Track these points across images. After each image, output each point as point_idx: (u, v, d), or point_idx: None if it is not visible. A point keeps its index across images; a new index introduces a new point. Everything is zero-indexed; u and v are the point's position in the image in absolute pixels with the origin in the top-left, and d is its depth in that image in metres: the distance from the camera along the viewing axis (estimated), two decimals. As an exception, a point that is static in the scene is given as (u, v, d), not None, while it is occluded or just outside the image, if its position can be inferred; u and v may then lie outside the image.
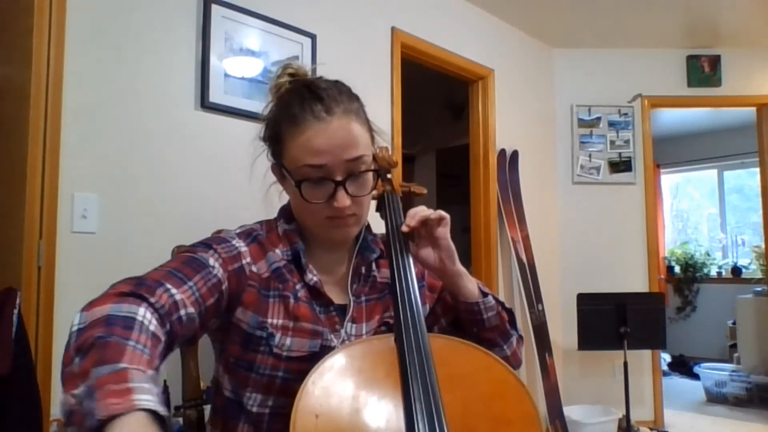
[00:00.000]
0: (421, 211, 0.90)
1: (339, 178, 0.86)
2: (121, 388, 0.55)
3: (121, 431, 0.52)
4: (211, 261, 0.84)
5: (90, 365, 0.58)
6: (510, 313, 1.01)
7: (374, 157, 0.93)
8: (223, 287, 0.84)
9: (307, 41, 2.37)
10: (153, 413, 0.55)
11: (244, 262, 0.88)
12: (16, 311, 1.44)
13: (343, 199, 0.86)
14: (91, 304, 0.68)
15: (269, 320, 0.86)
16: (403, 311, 0.84)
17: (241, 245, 0.90)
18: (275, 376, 0.86)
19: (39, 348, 1.59)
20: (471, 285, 0.95)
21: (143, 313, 0.68)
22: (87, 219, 1.74)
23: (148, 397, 0.56)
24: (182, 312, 0.75)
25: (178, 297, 0.75)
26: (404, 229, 0.90)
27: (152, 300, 0.72)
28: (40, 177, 1.65)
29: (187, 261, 0.83)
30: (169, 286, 0.75)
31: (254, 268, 0.89)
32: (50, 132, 1.67)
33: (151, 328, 0.68)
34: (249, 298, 0.87)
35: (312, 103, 0.86)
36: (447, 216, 0.91)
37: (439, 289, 1.04)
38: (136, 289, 0.72)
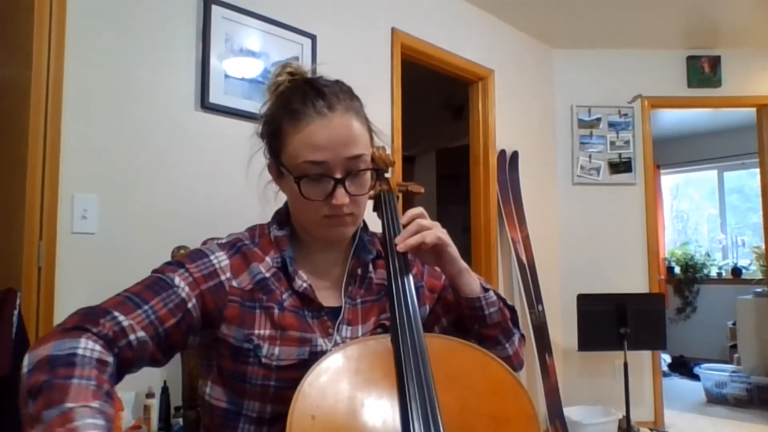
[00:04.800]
0: (412, 229, 0.89)
1: (338, 176, 0.85)
2: (65, 429, 0.61)
3: None
4: (177, 280, 0.84)
5: (41, 408, 0.63)
6: (512, 310, 1.01)
7: (372, 157, 0.93)
8: (189, 305, 0.83)
9: (307, 41, 2.38)
10: None
11: (223, 278, 0.87)
12: (16, 312, 1.44)
13: (342, 197, 0.86)
14: (38, 344, 0.72)
15: (256, 332, 0.86)
16: (399, 311, 0.84)
17: (222, 259, 0.89)
18: (268, 385, 0.86)
19: (39, 348, 1.59)
20: (473, 281, 0.94)
21: (84, 344, 0.71)
22: (87, 219, 1.75)
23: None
24: (131, 337, 0.76)
25: (125, 323, 0.76)
26: (399, 249, 0.89)
27: (95, 330, 0.74)
28: (40, 177, 1.65)
29: (149, 283, 0.84)
30: (116, 314, 0.77)
31: (235, 283, 0.88)
32: (50, 132, 1.67)
33: (95, 355, 0.71)
34: (231, 312, 0.86)
35: (314, 99, 0.86)
36: (442, 240, 0.90)
37: (440, 289, 1.04)
38: (81, 322, 0.74)
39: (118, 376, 0.76)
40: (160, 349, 0.81)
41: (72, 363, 0.68)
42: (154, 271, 0.87)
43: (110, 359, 0.73)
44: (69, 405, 0.63)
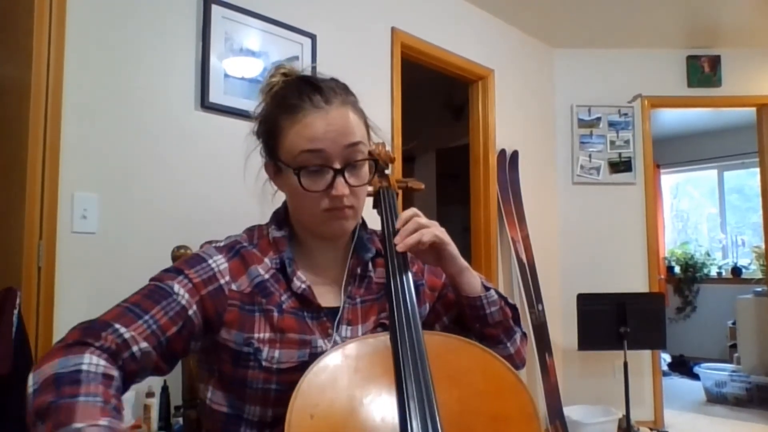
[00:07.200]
0: (410, 227, 0.89)
1: (337, 166, 0.86)
2: None
3: None
4: (176, 287, 0.83)
5: (49, 430, 0.63)
6: (514, 309, 1.01)
7: (371, 153, 0.93)
8: (190, 312, 0.83)
9: (307, 41, 2.37)
10: None
11: (222, 281, 0.87)
12: (16, 311, 1.44)
13: (342, 188, 0.86)
14: (41, 362, 0.71)
15: (255, 335, 0.86)
16: (398, 309, 0.83)
17: (221, 262, 0.89)
18: (269, 389, 0.86)
19: (39, 348, 1.59)
20: (474, 280, 0.94)
21: (89, 360, 0.71)
22: (87, 219, 1.75)
23: None
24: (134, 348, 0.76)
25: (127, 335, 0.76)
26: (399, 249, 0.89)
27: (97, 344, 0.73)
28: (40, 177, 1.65)
29: (148, 293, 0.83)
30: (117, 326, 0.76)
31: (234, 286, 0.88)
32: (50, 132, 1.67)
33: (100, 370, 0.71)
34: (231, 317, 0.86)
35: (311, 93, 0.87)
36: (440, 239, 0.89)
37: (440, 287, 1.03)
38: (82, 336, 0.74)
39: (123, 389, 0.75)
40: (163, 358, 0.81)
41: (77, 380, 0.67)
42: (152, 280, 0.86)
43: (115, 372, 0.72)
44: (77, 425, 0.63)
